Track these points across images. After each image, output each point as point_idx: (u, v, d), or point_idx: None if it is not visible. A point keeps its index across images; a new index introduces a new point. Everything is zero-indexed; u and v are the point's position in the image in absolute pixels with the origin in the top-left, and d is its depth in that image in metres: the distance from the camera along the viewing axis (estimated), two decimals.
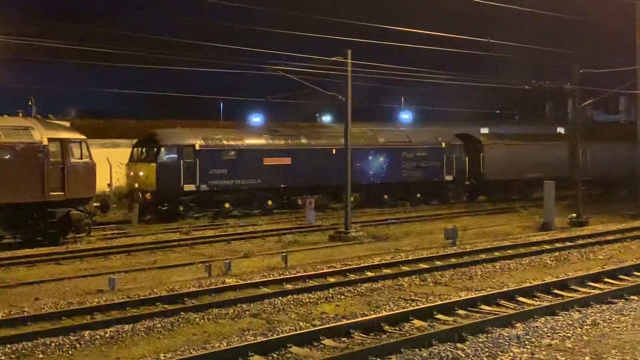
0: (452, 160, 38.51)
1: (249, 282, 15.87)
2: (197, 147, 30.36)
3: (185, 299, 14.23)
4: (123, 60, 25.00)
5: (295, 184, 32.98)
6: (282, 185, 32.80)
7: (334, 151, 33.74)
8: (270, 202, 32.67)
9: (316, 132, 36.01)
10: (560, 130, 58.17)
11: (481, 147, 40.29)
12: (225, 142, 31.48)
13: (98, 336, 11.51)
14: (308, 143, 34.10)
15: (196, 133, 31.50)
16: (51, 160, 23.03)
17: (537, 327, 11.25)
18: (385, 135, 37.48)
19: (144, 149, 30.63)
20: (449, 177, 38.39)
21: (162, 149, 30.02)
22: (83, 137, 24.56)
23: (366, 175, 35.35)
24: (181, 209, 29.85)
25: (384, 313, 12.57)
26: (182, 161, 29.88)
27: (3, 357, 10.53)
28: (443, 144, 38.28)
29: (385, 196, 36.43)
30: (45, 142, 22.99)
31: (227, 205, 31.24)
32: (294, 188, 33.06)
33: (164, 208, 29.74)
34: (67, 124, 26.27)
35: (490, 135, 43.07)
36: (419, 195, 37.51)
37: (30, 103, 29.54)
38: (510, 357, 9.68)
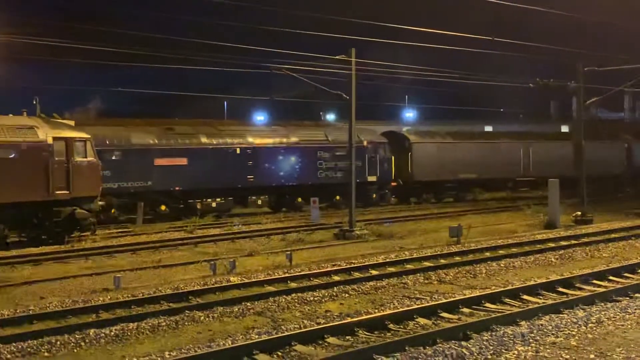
0: (375, 160, 36.43)
1: (253, 280, 15.90)
2: None
3: (190, 298, 14.26)
4: (128, 59, 25.03)
5: (193, 186, 30.67)
6: (177, 188, 30.45)
7: (238, 151, 32.12)
8: (163, 207, 30.45)
9: (218, 130, 33.03)
10: (565, 128, 58.06)
11: (410, 145, 38.61)
12: (108, 142, 28.91)
13: (103, 334, 11.54)
14: (208, 142, 31.64)
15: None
16: (56, 159, 23.10)
17: (541, 325, 11.24)
18: (299, 133, 35.18)
19: None
20: (372, 178, 36.13)
21: None
22: (88, 136, 24.62)
23: (276, 176, 33.39)
24: None
25: (389, 311, 12.57)
26: None
27: (9, 356, 10.56)
28: (365, 143, 35.89)
29: (299, 199, 34.51)
30: (50, 141, 23.05)
31: (112, 211, 28.83)
32: (191, 191, 30.80)
33: None
34: (72, 122, 26.27)
35: (420, 133, 41.29)
36: (338, 197, 35.10)
37: (34, 102, 29.58)
38: (514, 355, 9.68)
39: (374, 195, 36.96)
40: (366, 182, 35.88)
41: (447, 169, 39.20)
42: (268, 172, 33.14)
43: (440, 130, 43.49)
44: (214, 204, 31.49)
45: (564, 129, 57.89)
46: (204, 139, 31.67)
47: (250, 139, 33.05)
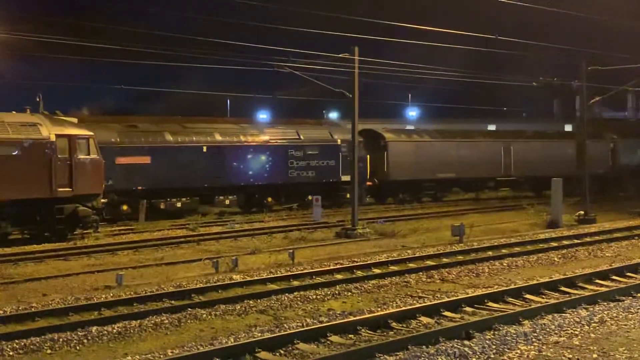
0: (350, 159, 34.62)
1: (256, 278, 15.90)
2: None
3: (193, 295, 14.26)
4: (130, 56, 25.05)
5: (157, 186, 29.35)
6: (139, 188, 29.07)
7: (204, 149, 30.89)
8: (125, 207, 28.91)
9: (184, 128, 31.62)
10: (568, 127, 57.94)
11: (386, 144, 37.53)
12: None
13: (105, 332, 11.54)
14: (173, 140, 30.24)
15: None
16: (59, 156, 23.10)
17: (544, 324, 11.23)
18: (270, 132, 34.03)
19: None
20: (346, 178, 33.54)
21: None
22: (90, 133, 24.61)
23: (244, 175, 32.13)
24: None
25: (391, 310, 12.57)
26: None
27: (11, 353, 10.57)
28: (339, 141, 34.66)
29: (269, 199, 33.42)
30: (52, 138, 23.05)
31: None
32: (155, 190, 29.43)
33: None
34: (75, 120, 26.28)
35: (396, 131, 40.24)
36: (310, 197, 32.85)
37: (38, 99, 29.63)
38: (517, 354, 9.67)
39: (348, 195, 34.66)
40: (340, 182, 34.90)
41: (425, 168, 38.28)
42: (236, 171, 32.05)
43: (417, 129, 42.57)
44: (178, 204, 30.25)
45: (568, 127, 57.75)
46: (168, 137, 30.36)
47: (218, 137, 31.93)
